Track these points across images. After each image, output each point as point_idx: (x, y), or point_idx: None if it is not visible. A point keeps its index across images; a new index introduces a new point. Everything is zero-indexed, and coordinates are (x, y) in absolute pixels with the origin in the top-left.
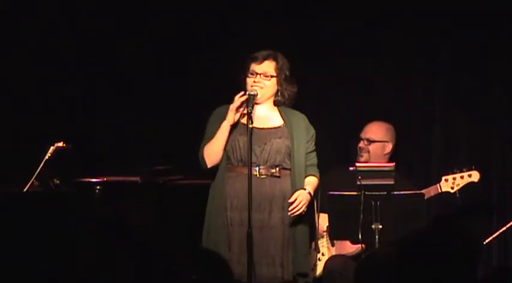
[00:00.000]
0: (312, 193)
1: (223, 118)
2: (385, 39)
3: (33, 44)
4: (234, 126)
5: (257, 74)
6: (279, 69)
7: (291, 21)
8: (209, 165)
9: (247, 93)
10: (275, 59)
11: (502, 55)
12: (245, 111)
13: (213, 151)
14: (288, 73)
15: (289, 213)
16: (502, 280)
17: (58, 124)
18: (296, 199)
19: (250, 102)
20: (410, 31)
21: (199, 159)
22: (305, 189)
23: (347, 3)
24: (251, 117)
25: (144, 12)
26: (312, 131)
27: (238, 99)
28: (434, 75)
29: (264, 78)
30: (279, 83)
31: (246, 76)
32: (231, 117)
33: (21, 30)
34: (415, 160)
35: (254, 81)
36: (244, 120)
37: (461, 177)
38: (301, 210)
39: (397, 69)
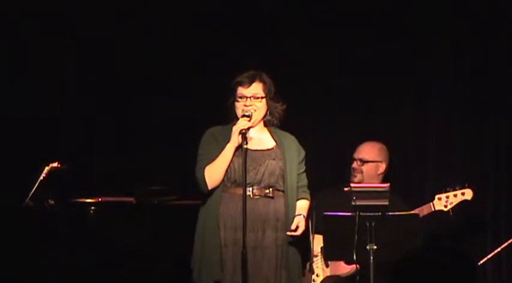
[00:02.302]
0: (306, 217)
1: (216, 138)
2: (379, 57)
3: (30, 57)
4: None
5: (247, 97)
6: (267, 89)
7: (282, 40)
8: (210, 187)
9: (242, 113)
10: (261, 80)
11: (495, 74)
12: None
13: (216, 173)
14: (273, 91)
15: (288, 233)
16: None
17: (53, 144)
18: (298, 226)
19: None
20: (405, 49)
21: (197, 181)
22: (300, 215)
23: (340, 23)
24: (245, 137)
25: (139, 41)
26: (303, 152)
27: (242, 121)
28: (429, 94)
29: (254, 100)
30: (268, 103)
31: (235, 101)
32: (235, 138)
33: (15, 41)
34: (409, 180)
35: (245, 105)
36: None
37: (455, 196)
38: (298, 235)
39: (391, 88)
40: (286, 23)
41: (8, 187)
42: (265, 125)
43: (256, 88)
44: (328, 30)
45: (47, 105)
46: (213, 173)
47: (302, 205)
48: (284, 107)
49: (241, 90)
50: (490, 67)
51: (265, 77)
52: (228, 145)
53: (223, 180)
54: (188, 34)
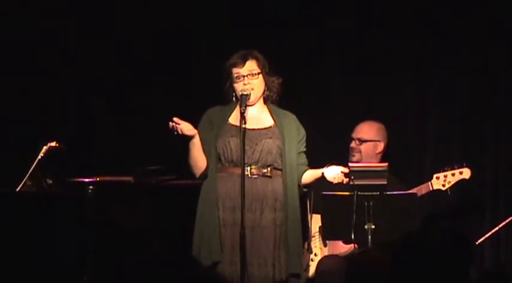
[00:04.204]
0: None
1: (211, 121)
2: (378, 38)
3: (27, 42)
4: (224, 128)
5: (243, 76)
6: (261, 65)
7: (283, 21)
8: (197, 175)
9: (240, 93)
10: (254, 57)
11: (493, 56)
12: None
13: (193, 164)
14: (268, 66)
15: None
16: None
17: (51, 123)
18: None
19: (243, 102)
20: (404, 30)
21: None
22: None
23: (341, 3)
24: (244, 117)
25: (141, 13)
26: (303, 132)
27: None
28: (427, 74)
29: (251, 78)
30: (265, 78)
31: (233, 82)
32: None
33: (13, 29)
34: (407, 159)
35: (244, 84)
36: (233, 121)
37: (453, 175)
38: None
39: (389, 68)
40: (286, 12)
41: (6, 167)
42: (265, 103)
43: (251, 65)
44: (329, 12)
45: (44, 83)
46: (192, 164)
47: (310, 171)
48: (280, 80)
49: (236, 71)
50: (490, 48)
51: (256, 53)
52: (189, 139)
53: (220, 160)
54: (192, 12)
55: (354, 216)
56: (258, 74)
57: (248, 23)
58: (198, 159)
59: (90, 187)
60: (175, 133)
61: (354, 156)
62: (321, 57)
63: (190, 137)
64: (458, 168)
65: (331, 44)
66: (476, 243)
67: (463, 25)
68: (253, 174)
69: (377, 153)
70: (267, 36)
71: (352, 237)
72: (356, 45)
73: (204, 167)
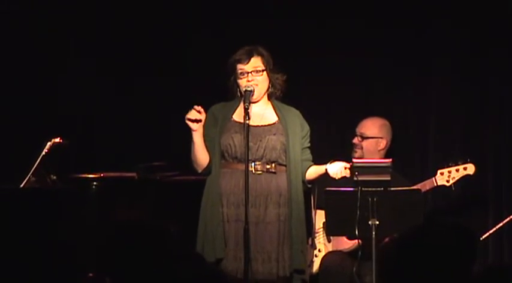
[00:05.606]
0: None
1: (215, 117)
2: (381, 36)
3: (30, 38)
4: (228, 124)
5: (248, 72)
6: (266, 62)
7: (287, 19)
8: (200, 170)
9: (243, 89)
10: (259, 53)
11: (494, 52)
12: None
13: (195, 159)
14: (272, 63)
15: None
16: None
17: (55, 119)
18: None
19: (247, 98)
20: (406, 28)
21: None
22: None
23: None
24: (248, 113)
25: (140, 11)
26: (307, 127)
27: (194, 112)
28: (430, 70)
29: (255, 74)
30: (269, 75)
31: (237, 78)
32: (191, 126)
33: (16, 25)
34: (411, 155)
35: (248, 81)
36: (237, 118)
37: (457, 170)
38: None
39: (392, 64)
40: (287, 8)
41: (11, 163)
42: (269, 99)
43: (256, 62)
44: (329, 9)
45: (48, 80)
46: (194, 159)
47: (315, 167)
48: (285, 77)
49: (241, 67)
50: (491, 44)
51: (262, 49)
52: (193, 134)
53: (224, 156)
54: (192, 10)
55: (358, 212)
56: (263, 70)
57: (248, 20)
58: (200, 155)
59: (94, 183)
60: (193, 120)
61: (356, 152)
62: (326, 54)
63: (194, 132)
64: (463, 163)
65: (336, 41)
66: (481, 238)
67: (463, 24)
68: (257, 170)
69: (379, 150)
70: (268, 32)
71: (356, 233)
72: (359, 42)
73: (206, 163)
